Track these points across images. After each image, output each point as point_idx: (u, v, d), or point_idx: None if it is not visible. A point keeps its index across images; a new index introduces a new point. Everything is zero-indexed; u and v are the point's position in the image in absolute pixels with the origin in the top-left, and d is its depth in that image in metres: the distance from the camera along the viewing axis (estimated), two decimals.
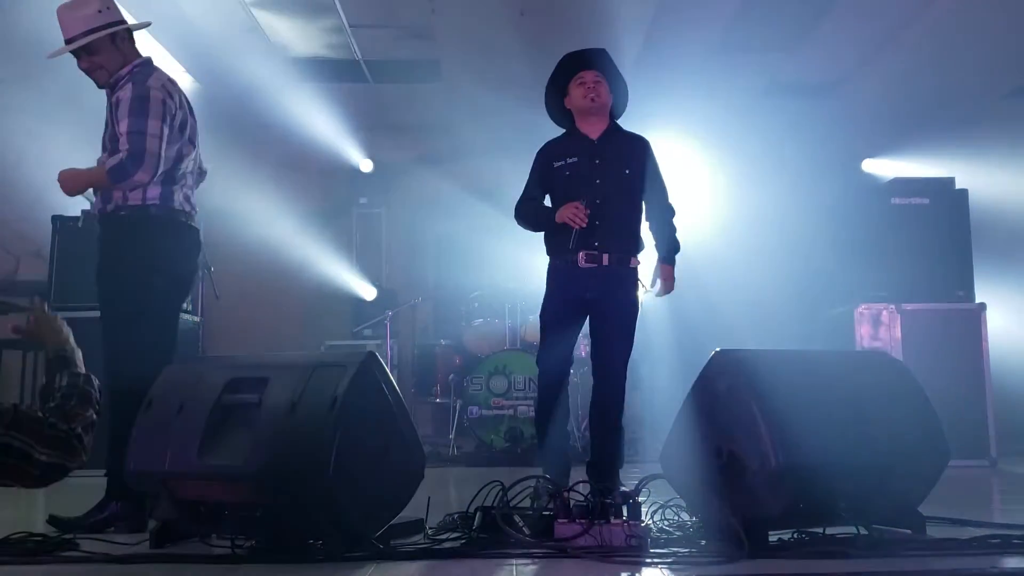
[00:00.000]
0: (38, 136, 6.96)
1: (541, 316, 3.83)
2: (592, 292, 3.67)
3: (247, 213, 7.49)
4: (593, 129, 3.79)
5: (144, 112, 3.17)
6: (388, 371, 2.67)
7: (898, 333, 5.08)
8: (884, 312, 5.12)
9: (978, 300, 5.12)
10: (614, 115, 3.88)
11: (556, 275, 3.78)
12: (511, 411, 5.70)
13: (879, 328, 5.11)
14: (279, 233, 7.74)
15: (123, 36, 3.30)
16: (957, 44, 6.35)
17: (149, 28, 3.57)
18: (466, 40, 6.53)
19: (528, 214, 3.84)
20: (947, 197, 5.26)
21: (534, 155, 3.90)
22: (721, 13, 6.21)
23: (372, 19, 6.30)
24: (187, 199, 3.38)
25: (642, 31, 6.41)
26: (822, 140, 7.44)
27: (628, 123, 3.97)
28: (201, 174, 3.51)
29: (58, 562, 2.41)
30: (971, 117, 6.87)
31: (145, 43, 3.78)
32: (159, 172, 3.20)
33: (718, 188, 7.75)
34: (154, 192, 3.26)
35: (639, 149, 3.83)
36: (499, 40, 6.36)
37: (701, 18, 6.27)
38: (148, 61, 3.37)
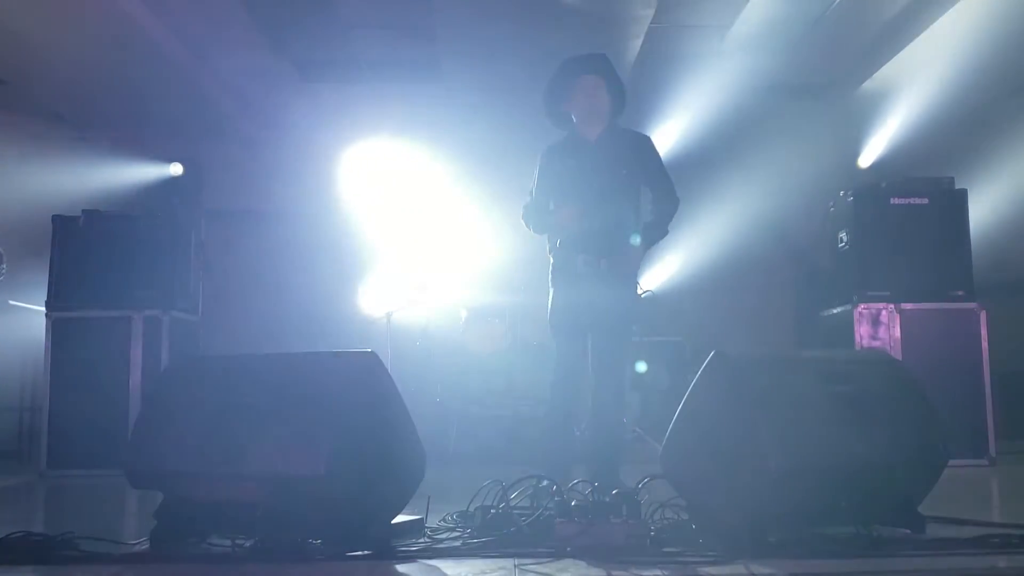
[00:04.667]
0: (39, 136, 6.98)
1: (550, 320, 3.86)
2: (591, 295, 3.72)
3: (247, 213, 7.51)
4: (592, 131, 3.86)
5: None
6: (388, 370, 2.68)
7: (898, 333, 5.08)
8: (884, 312, 5.12)
9: (977, 300, 5.12)
10: (612, 117, 3.92)
11: (557, 277, 3.84)
12: (511, 411, 5.69)
13: (879, 328, 5.11)
14: (280, 232, 7.74)
15: None
16: (955, 43, 6.36)
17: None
18: (466, 40, 6.52)
19: (532, 217, 3.91)
20: (946, 197, 5.26)
21: (537, 156, 3.95)
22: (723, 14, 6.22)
23: (372, 19, 6.30)
24: None
25: (641, 32, 6.42)
26: (821, 140, 7.44)
27: (627, 123, 3.99)
28: None
29: (58, 562, 2.41)
30: (971, 117, 6.87)
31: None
32: None
33: (718, 187, 7.75)
34: None
35: (638, 147, 3.89)
36: (499, 41, 6.36)
37: (701, 19, 6.28)
38: None
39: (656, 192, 3.89)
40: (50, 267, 5.49)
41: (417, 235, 7.63)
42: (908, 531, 2.63)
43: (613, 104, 3.88)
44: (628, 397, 3.95)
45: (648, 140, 3.93)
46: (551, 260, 3.88)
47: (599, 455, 3.76)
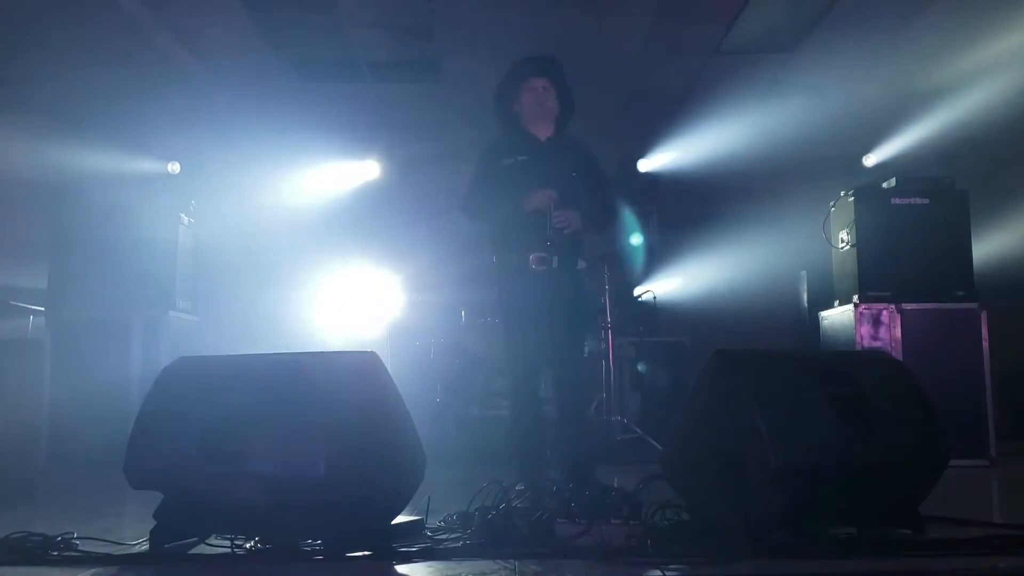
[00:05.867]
0: (39, 136, 6.97)
1: (504, 314, 3.82)
2: (544, 295, 3.69)
3: (246, 212, 7.50)
4: (540, 132, 3.90)
5: None
6: (388, 370, 2.67)
7: (898, 333, 5.08)
8: (884, 312, 5.12)
9: (977, 300, 5.13)
10: (560, 122, 3.95)
11: (507, 275, 3.80)
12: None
13: (879, 328, 5.11)
14: (280, 232, 7.74)
15: None
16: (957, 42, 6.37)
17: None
18: (466, 40, 6.52)
19: (484, 204, 3.86)
20: (947, 197, 5.26)
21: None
22: (722, 13, 6.22)
23: (372, 19, 6.29)
24: None
25: (642, 31, 6.42)
26: (822, 140, 7.44)
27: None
28: None
29: (58, 562, 2.41)
30: (971, 116, 6.87)
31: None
32: None
33: (717, 187, 7.75)
34: None
35: (583, 154, 3.93)
36: (499, 40, 6.36)
37: (701, 19, 6.28)
38: None
39: (595, 200, 3.87)
40: (50, 267, 5.49)
41: (416, 235, 7.63)
42: (908, 531, 2.63)
43: (562, 109, 3.91)
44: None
45: (590, 148, 3.96)
46: (494, 258, 3.85)
47: (570, 453, 3.70)
